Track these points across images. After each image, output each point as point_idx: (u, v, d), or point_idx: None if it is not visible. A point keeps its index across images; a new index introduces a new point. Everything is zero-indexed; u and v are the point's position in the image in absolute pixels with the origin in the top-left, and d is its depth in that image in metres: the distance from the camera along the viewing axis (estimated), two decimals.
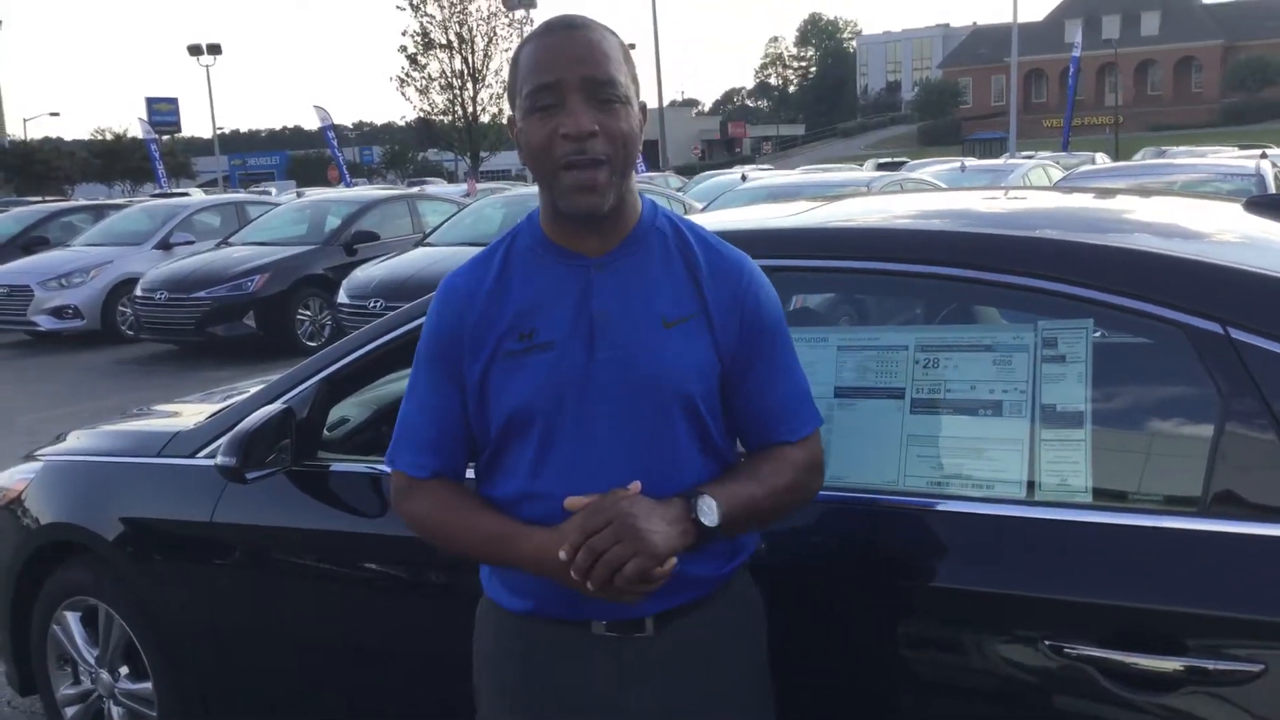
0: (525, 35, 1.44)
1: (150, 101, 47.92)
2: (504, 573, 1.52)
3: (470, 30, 38.75)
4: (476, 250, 1.59)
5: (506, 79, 1.49)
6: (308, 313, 10.43)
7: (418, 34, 38.75)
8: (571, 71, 1.36)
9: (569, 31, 1.39)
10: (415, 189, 17.50)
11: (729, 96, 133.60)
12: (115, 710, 2.78)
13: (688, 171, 35.50)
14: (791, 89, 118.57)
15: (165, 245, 12.10)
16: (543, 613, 1.48)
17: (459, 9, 38.68)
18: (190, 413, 2.89)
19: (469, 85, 38.86)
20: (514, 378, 1.44)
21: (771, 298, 1.51)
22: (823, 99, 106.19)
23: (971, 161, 18.00)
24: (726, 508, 1.39)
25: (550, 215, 1.47)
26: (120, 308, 11.45)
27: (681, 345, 1.43)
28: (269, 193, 22.52)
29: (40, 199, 24.67)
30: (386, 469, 2.17)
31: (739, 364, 1.47)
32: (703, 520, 1.37)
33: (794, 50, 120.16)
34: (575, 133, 1.35)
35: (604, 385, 1.42)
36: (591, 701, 1.47)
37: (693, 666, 1.48)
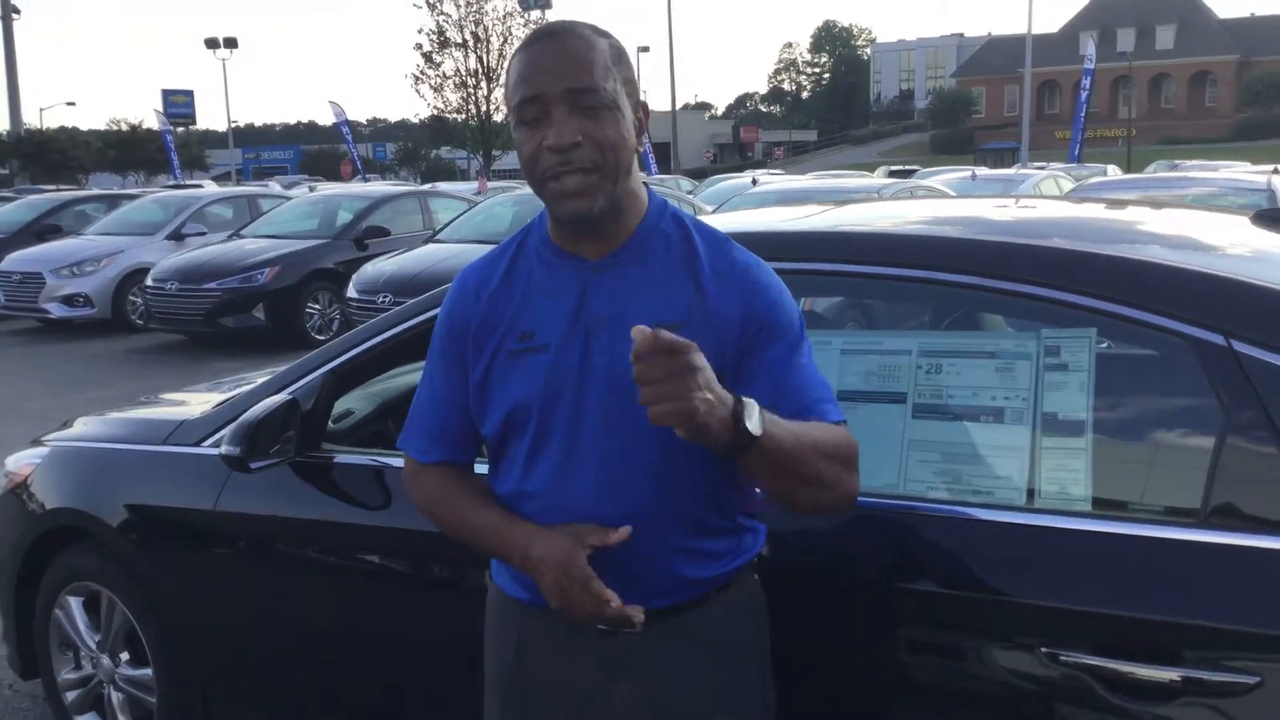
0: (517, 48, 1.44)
1: (166, 93, 48.07)
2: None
3: (486, 29, 38.82)
4: (486, 248, 1.61)
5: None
6: (317, 306, 10.46)
7: (433, 32, 38.85)
8: (553, 84, 1.35)
9: (550, 41, 1.38)
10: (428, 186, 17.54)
11: (742, 101, 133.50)
12: (115, 696, 2.79)
13: (699, 175, 35.49)
14: (804, 95, 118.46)
15: (177, 236, 12.15)
16: (540, 603, 1.49)
17: (475, 8, 38.77)
18: (197, 402, 2.91)
19: (483, 84, 38.92)
20: (513, 377, 1.46)
21: (785, 299, 1.48)
22: (835, 106, 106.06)
23: (983, 171, 17.89)
24: (770, 427, 1.30)
25: (551, 219, 1.49)
26: (131, 297, 11.50)
27: None
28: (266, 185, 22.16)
29: (54, 188, 24.73)
30: (391, 462, 2.20)
31: (751, 366, 1.43)
32: (745, 421, 1.26)
33: (808, 56, 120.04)
34: (557, 145, 1.35)
35: (597, 389, 1.43)
36: (579, 692, 1.49)
37: (683, 665, 1.48)
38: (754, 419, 1.28)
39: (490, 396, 1.49)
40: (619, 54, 1.42)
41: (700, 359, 1.23)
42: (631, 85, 1.43)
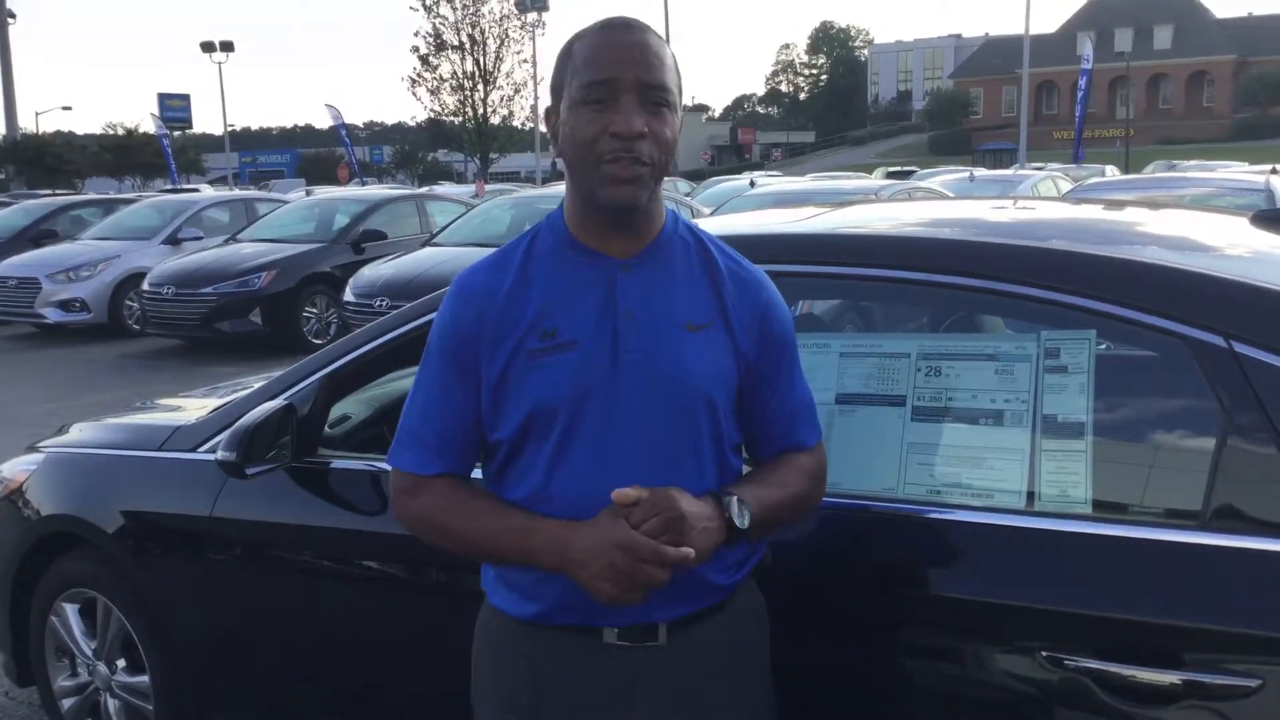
0: (578, 31, 1.45)
1: (162, 97, 48.04)
2: (512, 578, 1.50)
3: (482, 32, 38.91)
4: (483, 251, 1.59)
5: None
6: (314, 310, 10.46)
7: (430, 35, 38.93)
8: (628, 71, 1.37)
9: (629, 32, 1.41)
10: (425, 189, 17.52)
11: (739, 103, 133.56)
12: (112, 703, 2.78)
13: (696, 177, 35.52)
14: (802, 96, 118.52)
15: (173, 241, 12.14)
16: (552, 620, 1.46)
17: (471, 11, 38.86)
18: (193, 407, 2.90)
19: (480, 87, 38.97)
20: (535, 377, 1.43)
21: (787, 314, 1.56)
22: (833, 107, 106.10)
23: (981, 172, 17.90)
24: (754, 511, 1.42)
25: (580, 212, 1.46)
26: (127, 302, 11.48)
27: (704, 351, 1.45)
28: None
29: (50, 192, 24.71)
30: (387, 467, 2.18)
31: (756, 375, 1.50)
32: (735, 521, 1.39)
33: (805, 58, 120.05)
34: (625, 132, 1.36)
35: (628, 387, 1.42)
36: (599, 708, 1.45)
37: (704, 674, 1.47)
38: (742, 516, 1.40)
39: (508, 399, 1.45)
40: (677, 62, 1.46)
41: (681, 495, 1.35)
42: (681, 93, 1.46)
